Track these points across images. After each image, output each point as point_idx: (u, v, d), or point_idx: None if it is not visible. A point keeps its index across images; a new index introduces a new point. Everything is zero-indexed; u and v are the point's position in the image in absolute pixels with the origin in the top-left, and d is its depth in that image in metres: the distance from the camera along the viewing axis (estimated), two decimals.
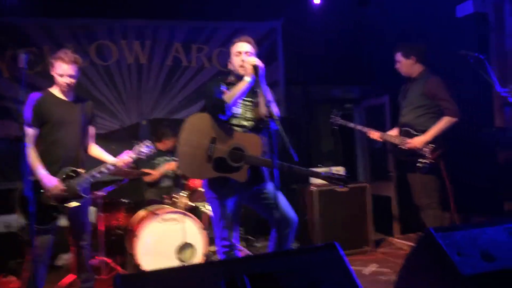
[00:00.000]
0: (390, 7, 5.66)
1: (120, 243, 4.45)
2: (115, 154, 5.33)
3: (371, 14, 6.14)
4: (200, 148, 2.91)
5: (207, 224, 4.69)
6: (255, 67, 2.83)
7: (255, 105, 3.01)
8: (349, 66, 6.22)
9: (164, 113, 5.71)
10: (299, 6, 6.01)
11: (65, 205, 3.10)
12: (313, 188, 4.74)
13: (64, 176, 3.12)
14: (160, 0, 5.50)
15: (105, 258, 4.27)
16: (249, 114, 3.04)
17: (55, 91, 3.21)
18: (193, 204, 4.60)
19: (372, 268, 4.28)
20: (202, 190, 4.56)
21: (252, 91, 3.03)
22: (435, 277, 1.88)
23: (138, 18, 5.60)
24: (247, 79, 2.87)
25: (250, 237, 5.40)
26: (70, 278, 3.82)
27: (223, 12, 5.74)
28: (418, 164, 3.75)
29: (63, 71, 3.11)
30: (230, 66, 3.10)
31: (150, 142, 3.36)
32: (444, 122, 3.72)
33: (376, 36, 6.05)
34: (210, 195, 3.00)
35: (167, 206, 4.37)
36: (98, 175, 3.19)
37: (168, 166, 4.87)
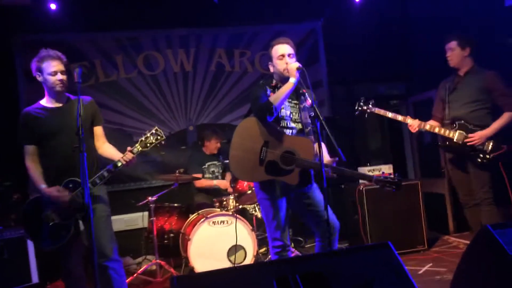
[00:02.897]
0: (433, 0, 5.50)
1: (174, 246, 4.57)
2: (164, 159, 5.55)
3: (413, 8, 5.99)
4: (253, 152, 2.95)
5: (256, 226, 4.75)
6: (299, 69, 2.87)
7: (302, 106, 3.04)
8: (393, 62, 6.10)
9: (210, 118, 5.83)
10: (338, 5, 5.97)
11: (66, 222, 2.87)
12: (362, 186, 4.68)
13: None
14: (202, 9, 5.62)
15: (160, 261, 4.41)
16: (296, 116, 3.06)
17: (43, 101, 3.05)
18: (242, 207, 4.67)
19: (426, 267, 4.16)
20: (250, 192, 4.65)
21: (297, 93, 3.06)
22: (493, 275, 1.82)
23: (181, 27, 5.75)
24: (292, 80, 2.89)
25: (298, 238, 5.40)
26: None
27: (263, 16, 5.80)
28: (478, 160, 3.67)
29: (55, 67, 2.92)
30: (272, 70, 3.12)
31: (156, 128, 3.04)
32: (506, 118, 3.67)
33: (419, 30, 5.89)
34: (262, 196, 3.03)
35: (217, 209, 4.46)
36: (98, 181, 2.91)
37: (220, 183, 4.97)
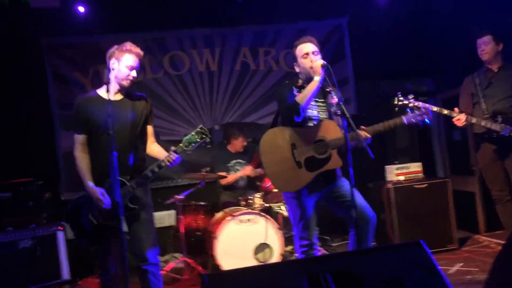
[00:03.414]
0: None
1: (200, 244, 4.61)
2: (190, 158, 5.59)
3: (439, 5, 5.86)
4: (286, 161, 2.93)
5: (282, 224, 4.74)
6: (324, 66, 2.84)
7: (329, 105, 3.02)
8: (421, 58, 5.99)
9: (235, 117, 5.85)
10: (364, 1, 5.89)
11: (109, 223, 2.79)
12: (389, 185, 4.60)
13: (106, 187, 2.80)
14: (225, 8, 5.65)
15: (187, 259, 4.44)
16: (324, 115, 3.04)
17: (102, 91, 2.94)
18: (268, 205, 4.66)
19: (457, 267, 4.08)
20: (276, 191, 4.64)
21: (323, 92, 3.04)
22: None
23: (206, 27, 5.78)
24: (317, 78, 2.86)
25: (325, 237, 5.36)
26: None
27: (286, 13, 5.76)
28: None
29: (134, 62, 2.90)
30: (297, 69, 3.10)
31: (201, 126, 2.92)
32: None
33: (446, 25, 5.76)
34: (289, 194, 3.02)
35: (243, 208, 4.47)
36: (142, 180, 2.83)
37: (244, 172, 4.98)
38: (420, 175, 4.80)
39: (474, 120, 3.79)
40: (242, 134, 5.18)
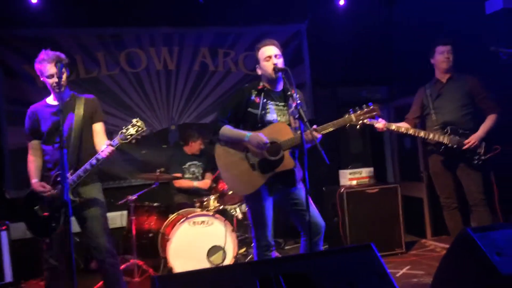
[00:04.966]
0: (416, 5, 5.58)
1: (152, 246, 4.51)
2: (145, 158, 5.48)
3: (398, 13, 6.07)
4: (240, 164, 2.97)
5: (237, 226, 4.73)
6: (281, 70, 2.93)
7: (290, 110, 3.05)
8: (376, 66, 6.15)
9: (192, 118, 5.78)
10: (323, 8, 6.00)
11: (55, 214, 3.01)
12: (342, 189, 4.70)
13: (51, 183, 3.06)
14: (186, 8, 5.58)
15: (138, 261, 4.35)
16: (283, 118, 3.07)
17: (49, 99, 3.22)
18: (223, 207, 4.64)
19: (404, 270, 4.21)
20: (231, 193, 4.63)
21: (285, 95, 3.06)
22: (473, 277, 1.85)
23: (165, 26, 5.69)
24: (246, 139, 2.90)
25: (278, 240, 5.40)
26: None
27: (248, 16, 5.78)
28: (473, 161, 3.81)
29: (49, 69, 3.03)
30: (259, 71, 3.11)
31: (137, 119, 3.05)
32: (492, 120, 3.84)
33: (402, 35, 5.97)
34: (249, 196, 3.04)
35: (197, 210, 4.43)
36: (82, 174, 2.98)
37: (200, 184, 4.95)
38: (372, 180, 4.94)
39: (393, 127, 3.90)
40: (201, 137, 5.13)
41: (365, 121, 3.40)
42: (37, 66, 3.09)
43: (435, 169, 4.12)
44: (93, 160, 2.96)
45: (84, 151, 3.11)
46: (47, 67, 3.03)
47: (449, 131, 3.88)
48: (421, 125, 4.23)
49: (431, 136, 3.93)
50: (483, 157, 3.79)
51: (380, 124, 3.81)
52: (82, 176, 2.99)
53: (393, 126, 3.92)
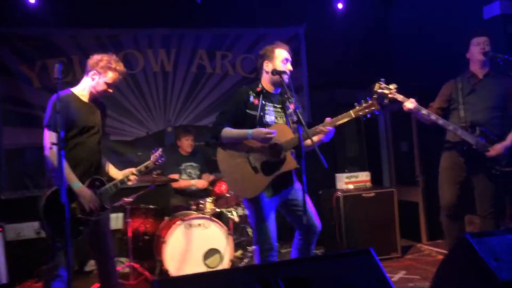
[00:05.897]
0: (415, 10, 5.60)
1: (148, 248, 4.50)
2: (141, 160, 5.45)
3: (395, 18, 6.09)
4: (242, 167, 2.96)
5: (233, 229, 4.72)
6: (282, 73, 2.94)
7: (288, 112, 3.05)
8: (374, 69, 6.16)
9: (189, 120, 5.76)
10: (321, 11, 6.00)
11: (90, 218, 2.93)
12: (339, 193, 4.71)
13: (87, 185, 2.95)
14: (184, 9, 5.57)
15: (133, 263, 4.32)
16: (281, 121, 3.08)
17: (78, 91, 3.04)
18: (219, 210, 4.63)
19: (400, 275, 4.22)
20: (228, 195, 4.62)
21: (282, 98, 3.07)
22: (471, 283, 1.85)
23: (163, 27, 5.68)
24: (249, 135, 2.90)
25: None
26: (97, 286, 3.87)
27: (246, 19, 5.78)
28: (492, 170, 3.54)
29: (114, 81, 3.06)
30: (267, 69, 3.05)
31: (161, 151, 3.36)
32: None
33: (401, 38, 5.99)
34: (250, 199, 3.02)
35: (194, 212, 4.41)
36: (119, 185, 3.09)
37: (198, 183, 4.93)
38: (368, 184, 4.95)
39: (424, 111, 3.52)
40: (187, 133, 5.08)
41: (395, 96, 3.35)
42: (102, 68, 3.04)
43: (449, 165, 3.76)
44: (118, 183, 3.12)
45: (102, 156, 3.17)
46: (114, 77, 3.10)
47: (478, 133, 3.54)
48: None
49: (459, 132, 3.55)
50: (503, 169, 3.51)
51: (411, 104, 3.46)
52: (114, 189, 3.09)
53: (424, 111, 3.50)
